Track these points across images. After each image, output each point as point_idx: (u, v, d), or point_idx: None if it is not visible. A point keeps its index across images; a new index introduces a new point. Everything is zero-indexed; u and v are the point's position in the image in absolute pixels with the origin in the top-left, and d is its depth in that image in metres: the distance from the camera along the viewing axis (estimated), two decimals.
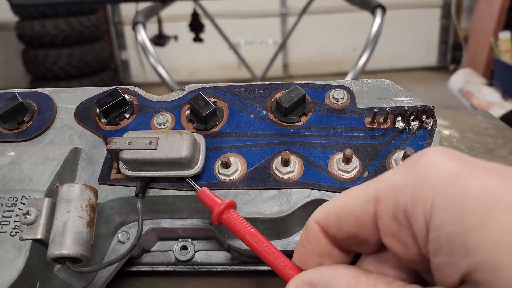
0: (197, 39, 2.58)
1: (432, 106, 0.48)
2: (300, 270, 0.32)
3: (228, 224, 0.40)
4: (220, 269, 0.54)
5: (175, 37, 2.65)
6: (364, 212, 0.28)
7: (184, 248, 0.55)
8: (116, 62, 4.68)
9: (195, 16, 2.50)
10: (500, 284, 0.21)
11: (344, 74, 1.66)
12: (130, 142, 0.45)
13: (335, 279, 0.28)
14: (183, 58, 4.54)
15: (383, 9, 1.73)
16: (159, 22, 2.51)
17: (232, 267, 0.55)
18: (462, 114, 1.04)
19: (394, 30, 4.34)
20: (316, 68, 4.70)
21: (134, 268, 0.55)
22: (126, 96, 0.53)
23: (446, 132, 0.94)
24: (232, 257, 0.55)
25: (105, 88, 0.55)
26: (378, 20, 1.71)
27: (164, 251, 0.56)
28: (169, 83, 1.64)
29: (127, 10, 4.36)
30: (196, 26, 2.51)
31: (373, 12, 1.75)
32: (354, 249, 0.31)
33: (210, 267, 0.55)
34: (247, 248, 0.49)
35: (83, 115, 0.53)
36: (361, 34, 1.68)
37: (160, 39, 2.57)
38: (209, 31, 2.91)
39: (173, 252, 0.55)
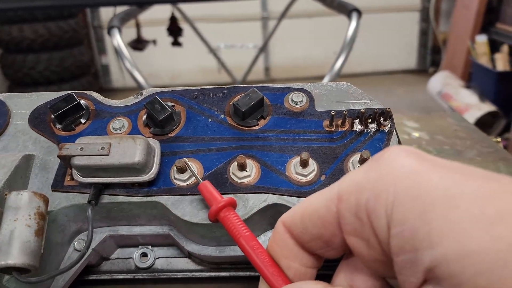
0: (176, 43, 2.56)
1: (388, 108, 0.48)
2: (289, 282, 0.31)
3: (224, 223, 0.39)
4: (180, 276, 0.54)
5: (154, 42, 2.64)
6: (327, 211, 0.28)
7: (144, 255, 0.54)
8: (97, 66, 4.63)
9: (173, 20, 2.48)
10: (470, 272, 0.20)
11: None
12: (82, 148, 0.44)
13: None
14: (164, 63, 4.52)
15: (359, 12, 1.74)
16: (137, 26, 2.50)
17: (193, 273, 0.54)
18: (433, 117, 1.05)
19: (375, 33, 4.39)
20: (298, 72, 4.72)
21: (93, 277, 0.54)
22: (82, 101, 0.52)
23: (416, 134, 0.95)
24: (193, 263, 0.54)
25: (61, 93, 0.54)
26: (353, 23, 1.72)
27: (124, 258, 0.55)
28: (145, 87, 1.63)
29: (107, 14, 4.32)
30: (174, 30, 2.50)
31: (349, 16, 1.76)
32: (319, 253, 0.30)
33: (170, 274, 0.54)
34: (208, 254, 0.49)
35: (38, 120, 0.52)
36: (342, 38, 1.68)
37: (138, 44, 2.55)
38: (190, 35, 2.90)
39: (133, 259, 0.54)
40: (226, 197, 0.46)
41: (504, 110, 3.07)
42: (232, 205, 0.40)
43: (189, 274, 0.54)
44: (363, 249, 0.26)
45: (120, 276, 0.54)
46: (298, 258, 0.31)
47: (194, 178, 0.47)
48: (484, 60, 3.34)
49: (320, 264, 0.32)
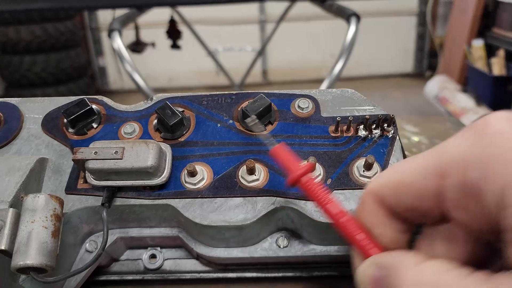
0: (175, 46, 2.58)
1: (392, 115, 0.50)
2: (381, 249, 0.31)
3: (307, 190, 0.37)
4: (189, 277, 0.55)
5: (153, 44, 2.65)
6: (426, 186, 0.28)
7: (153, 256, 0.55)
8: (94, 69, 4.64)
9: (172, 23, 2.50)
10: None
11: (323, 80, 1.68)
12: (96, 152, 0.46)
13: (403, 262, 0.27)
14: (162, 65, 4.53)
15: (358, 17, 1.76)
16: (136, 29, 2.51)
17: (200, 274, 0.55)
18: (431, 121, 1.07)
19: (372, 37, 4.41)
20: (295, 75, 4.74)
21: (103, 277, 0.55)
22: (94, 106, 0.54)
23: (416, 138, 0.96)
24: (200, 264, 0.56)
25: (73, 98, 0.55)
26: (352, 28, 1.74)
27: (133, 259, 0.56)
28: (145, 90, 1.64)
29: (104, 17, 4.33)
30: (173, 33, 2.51)
31: (348, 20, 1.78)
32: (413, 221, 0.31)
33: (179, 275, 0.55)
34: (216, 256, 0.50)
35: (51, 125, 0.54)
36: (339, 41, 1.71)
37: (137, 46, 2.56)
38: (188, 38, 2.91)
39: (142, 260, 0.55)
40: (235, 200, 0.47)
41: None
42: (312, 171, 0.40)
43: (197, 275, 0.55)
44: (468, 221, 0.26)
45: (129, 277, 0.55)
46: (389, 226, 0.31)
47: (204, 181, 0.48)
48: (480, 64, 3.37)
49: (413, 227, 0.32)
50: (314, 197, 0.37)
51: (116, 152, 0.46)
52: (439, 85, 3.70)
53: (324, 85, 1.68)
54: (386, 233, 0.31)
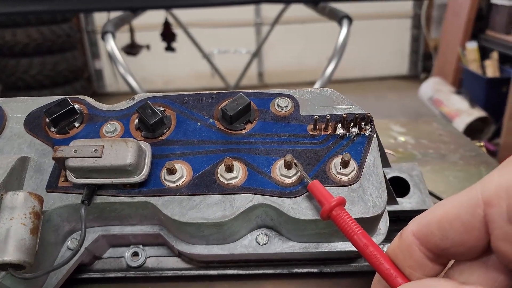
0: (169, 48, 2.58)
1: (369, 114, 0.51)
2: (407, 279, 0.31)
3: (337, 222, 0.40)
4: (171, 274, 0.56)
5: (148, 46, 2.66)
6: (473, 216, 0.27)
7: (135, 254, 0.56)
8: (90, 71, 4.64)
9: (166, 26, 2.51)
10: None
11: None
12: (75, 150, 0.46)
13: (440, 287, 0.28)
14: (158, 67, 4.54)
15: (350, 19, 1.77)
16: (131, 31, 2.51)
17: (182, 272, 0.56)
18: (419, 122, 1.08)
19: (367, 39, 4.43)
20: (291, 77, 4.75)
21: (85, 275, 0.56)
22: (76, 105, 0.54)
23: (402, 138, 0.97)
24: (182, 262, 0.56)
25: (55, 98, 0.56)
26: (344, 30, 1.75)
27: (116, 257, 0.56)
28: (139, 92, 1.64)
29: (101, 19, 4.34)
30: (167, 35, 2.52)
31: (339, 23, 1.79)
32: (455, 258, 0.30)
33: (161, 272, 0.56)
34: (196, 253, 0.51)
35: (33, 124, 0.54)
36: (334, 44, 1.71)
37: (132, 48, 2.57)
38: (184, 40, 2.92)
39: (125, 258, 0.56)
40: (214, 198, 0.48)
41: (494, 116, 3.12)
42: (343, 203, 0.42)
43: (179, 273, 0.56)
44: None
45: (112, 275, 0.56)
46: (422, 268, 0.31)
47: (183, 179, 0.49)
48: (474, 67, 3.39)
49: (441, 272, 0.32)
50: (343, 227, 0.39)
51: (95, 150, 0.46)
52: (434, 87, 3.72)
53: (316, 87, 1.69)
54: (416, 274, 0.31)
